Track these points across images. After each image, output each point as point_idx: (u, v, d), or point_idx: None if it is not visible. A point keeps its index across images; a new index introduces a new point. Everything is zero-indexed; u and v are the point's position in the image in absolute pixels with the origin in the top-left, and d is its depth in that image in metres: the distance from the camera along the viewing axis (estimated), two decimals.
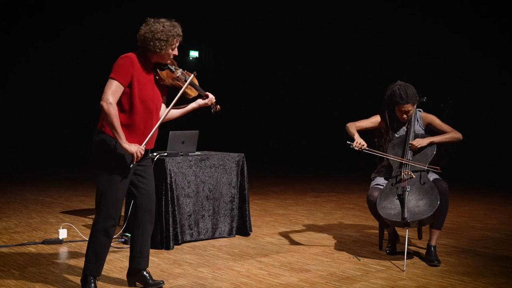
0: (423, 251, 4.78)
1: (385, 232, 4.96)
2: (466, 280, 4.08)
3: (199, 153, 5.56)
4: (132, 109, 3.63)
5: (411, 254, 4.79)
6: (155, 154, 5.24)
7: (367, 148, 4.58)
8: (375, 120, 4.87)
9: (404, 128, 4.79)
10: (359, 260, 4.62)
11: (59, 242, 5.19)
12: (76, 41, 12.43)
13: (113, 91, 3.55)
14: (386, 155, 4.68)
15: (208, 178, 5.35)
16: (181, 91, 3.81)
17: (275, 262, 4.57)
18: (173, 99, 3.81)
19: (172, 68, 3.83)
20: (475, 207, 7.41)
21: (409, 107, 4.65)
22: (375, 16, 11.44)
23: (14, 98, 12.40)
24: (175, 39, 3.72)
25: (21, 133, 12.54)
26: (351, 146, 4.54)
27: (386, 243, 4.92)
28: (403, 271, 4.30)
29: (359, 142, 4.55)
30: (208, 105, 4.01)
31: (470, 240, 5.40)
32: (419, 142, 4.62)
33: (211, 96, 3.99)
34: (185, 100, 3.94)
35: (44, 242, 5.18)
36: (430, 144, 4.63)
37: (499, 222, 6.39)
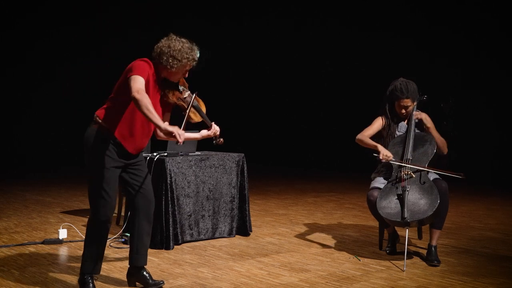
0: (423, 251, 4.78)
1: (385, 232, 4.97)
2: (466, 280, 4.08)
3: (199, 153, 5.56)
4: (134, 117, 3.59)
5: (411, 254, 4.79)
6: (155, 154, 5.24)
7: (393, 159, 4.59)
8: (378, 123, 4.87)
9: (404, 124, 4.80)
10: (359, 260, 4.62)
11: (59, 242, 5.19)
12: (77, 40, 12.42)
13: (141, 83, 3.46)
14: (405, 164, 4.60)
15: (208, 178, 5.35)
16: (186, 115, 3.70)
17: (275, 262, 4.57)
18: (178, 121, 3.69)
19: (181, 88, 3.78)
20: (475, 207, 7.41)
21: (408, 102, 4.69)
22: (375, 15, 11.44)
23: (14, 98, 12.39)
24: (189, 62, 3.68)
25: (21, 133, 12.54)
26: (378, 158, 4.57)
27: (386, 243, 4.92)
28: (403, 271, 4.30)
29: (385, 154, 4.56)
30: (211, 137, 3.89)
31: (470, 240, 5.40)
32: (420, 113, 4.72)
33: (216, 127, 3.86)
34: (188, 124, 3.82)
35: (44, 242, 5.18)
36: (428, 128, 4.70)
37: (499, 222, 6.39)
